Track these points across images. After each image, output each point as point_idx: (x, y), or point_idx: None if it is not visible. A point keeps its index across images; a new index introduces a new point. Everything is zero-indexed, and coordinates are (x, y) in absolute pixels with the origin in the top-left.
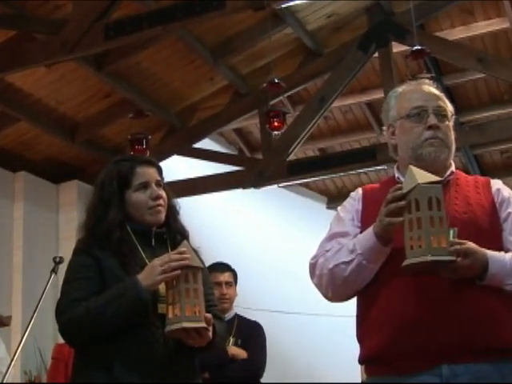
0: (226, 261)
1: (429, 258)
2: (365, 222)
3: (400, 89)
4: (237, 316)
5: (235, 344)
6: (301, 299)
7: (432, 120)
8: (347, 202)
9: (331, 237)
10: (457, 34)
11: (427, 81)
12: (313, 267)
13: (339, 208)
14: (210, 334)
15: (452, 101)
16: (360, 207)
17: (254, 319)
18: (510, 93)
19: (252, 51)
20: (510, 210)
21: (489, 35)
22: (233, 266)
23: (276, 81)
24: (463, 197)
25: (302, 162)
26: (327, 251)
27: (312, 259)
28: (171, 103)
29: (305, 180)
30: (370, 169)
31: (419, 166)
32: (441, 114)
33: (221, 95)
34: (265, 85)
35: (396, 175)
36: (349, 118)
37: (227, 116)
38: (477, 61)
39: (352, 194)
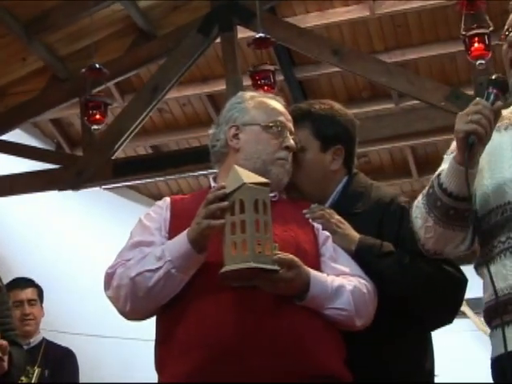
0: (33, 277)
1: (252, 264)
2: (174, 233)
3: (251, 93)
4: (45, 341)
5: (41, 375)
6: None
7: (290, 142)
8: (152, 211)
9: (134, 245)
10: (311, 20)
11: (281, 99)
12: (109, 277)
13: (142, 216)
14: (6, 364)
15: (304, 96)
16: (168, 216)
17: (66, 345)
18: (370, 90)
19: (72, 29)
20: (327, 233)
21: (347, 24)
22: (42, 283)
23: (97, 66)
24: (282, 216)
25: (131, 161)
26: (128, 260)
27: (109, 269)
28: None
29: (133, 182)
30: (210, 171)
31: None
32: (292, 139)
33: (35, 79)
34: (83, 70)
35: (212, 185)
36: (187, 111)
37: (42, 104)
38: (332, 52)
39: (158, 202)
